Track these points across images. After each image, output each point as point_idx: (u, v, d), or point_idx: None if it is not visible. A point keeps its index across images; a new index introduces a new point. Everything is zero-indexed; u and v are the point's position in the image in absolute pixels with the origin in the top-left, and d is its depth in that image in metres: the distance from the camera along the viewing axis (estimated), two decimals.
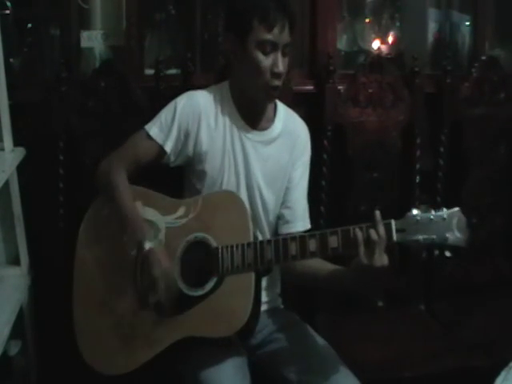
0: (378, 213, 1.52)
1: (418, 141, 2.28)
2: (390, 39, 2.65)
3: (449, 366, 1.94)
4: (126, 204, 1.70)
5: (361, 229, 1.52)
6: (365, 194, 2.26)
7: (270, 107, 1.81)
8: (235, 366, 1.61)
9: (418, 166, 2.28)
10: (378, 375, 1.89)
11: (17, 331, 1.90)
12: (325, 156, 2.18)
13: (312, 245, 1.56)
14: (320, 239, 1.56)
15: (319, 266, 1.68)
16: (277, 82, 1.68)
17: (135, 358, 1.65)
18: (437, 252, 1.49)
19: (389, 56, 2.57)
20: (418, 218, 1.50)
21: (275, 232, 1.84)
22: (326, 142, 2.18)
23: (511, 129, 2.39)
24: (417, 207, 1.52)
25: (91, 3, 2.23)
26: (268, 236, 1.82)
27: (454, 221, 1.48)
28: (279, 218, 1.84)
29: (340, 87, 2.21)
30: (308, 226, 1.85)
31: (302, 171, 1.85)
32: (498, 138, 2.38)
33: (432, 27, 2.66)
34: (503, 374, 1.50)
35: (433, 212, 1.50)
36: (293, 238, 1.60)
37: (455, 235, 1.47)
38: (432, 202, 2.34)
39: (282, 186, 1.82)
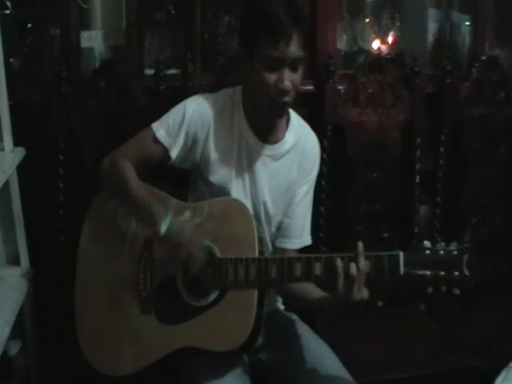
0: (360, 244, 1.49)
1: (418, 141, 2.28)
2: (390, 39, 2.65)
3: (449, 366, 1.95)
4: (135, 191, 1.67)
5: (342, 259, 1.49)
6: (365, 193, 2.26)
7: (283, 119, 1.75)
8: (236, 376, 1.60)
9: (418, 166, 2.28)
10: (378, 375, 1.89)
11: (17, 331, 1.90)
12: (325, 156, 2.17)
13: (317, 268, 1.53)
14: (325, 263, 1.52)
15: (305, 288, 1.65)
16: (283, 99, 1.60)
17: (135, 361, 1.65)
18: (444, 288, 1.46)
19: (389, 56, 2.57)
20: (428, 251, 1.46)
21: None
22: (325, 141, 2.17)
23: (511, 129, 2.39)
24: (428, 240, 1.48)
25: (91, 3, 2.23)
26: (269, 247, 1.80)
27: (465, 258, 1.44)
28: (277, 229, 1.81)
29: (340, 87, 2.21)
30: (307, 242, 1.82)
31: (308, 188, 1.81)
32: (498, 138, 2.39)
33: (432, 27, 2.65)
34: (503, 374, 1.50)
35: (443, 245, 1.47)
36: (298, 258, 1.57)
37: (464, 274, 1.43)
38: (432, 202, 2.35)
39: (286, 201, 1.79)
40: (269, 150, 1.73)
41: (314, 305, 1.67)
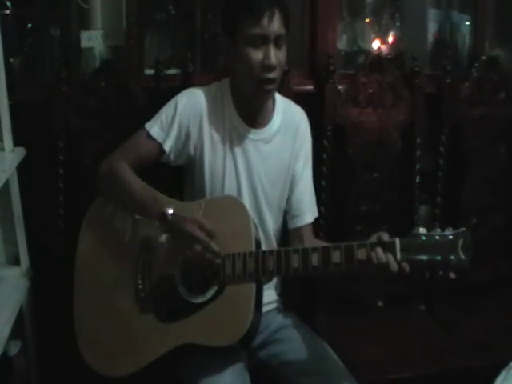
0: (386, 235, 1.51)
1: (418, 141, 2.28)
2: (390, 39, 2.64)
3: (449, 365, 1.95)
4: (136, 190, 1.67)
5: (364, 246, 1.51)
6: (365, 193, 2.26)
7: (269, 101, 1.79)
8: (234, 373, 1.60)
9: (418, 166, 2.28)
10: (378, 375, 1.89)
11: (17, 331, 1.90)
12: (325, 156, 2.18)
13: (314, 259, 1.55)
14: (322, 254, 1.54)
15: None
16: (270, 75, 1.63)
17: (135, 361, 1.65)
18: (440, 272, 1.47)
19: (389, 56, 2.57)
20: (423, 237, 1.48)
21: (282, 228, 1.85)
22: (325, 141, 2.18)
23: (511, 129, 2.39)
24: (423, 225, 1.50)
25: (91, 3, 2.23)
26: (272, 233, 1.82)
27: (460, 242, 1.46)
28: (286, 212, 1.83)
29: (340, 87, 2.21)
30: (316, 214, 1.86)
31: (305, 162, 1.83)
32: (498, 138, 2.39)
33: (432, 27, 2.66)
34: (503, 374, 1.50)
35: (438, 231, 1.48)
36: (295, 250, 1.58)
37: (460, 257, 1.45)
38: (432, 202, 2.35)
39: (286, 181, 1.81)
40: (259, 134, 1.76)
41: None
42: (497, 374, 1.51)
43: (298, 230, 1.82)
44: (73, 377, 1.81)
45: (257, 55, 1.62)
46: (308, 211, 1.84)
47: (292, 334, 1.77)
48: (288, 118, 1.81)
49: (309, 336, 1.78)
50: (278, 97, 1.82)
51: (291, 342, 1.74)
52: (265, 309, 1.73)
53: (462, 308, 2.24)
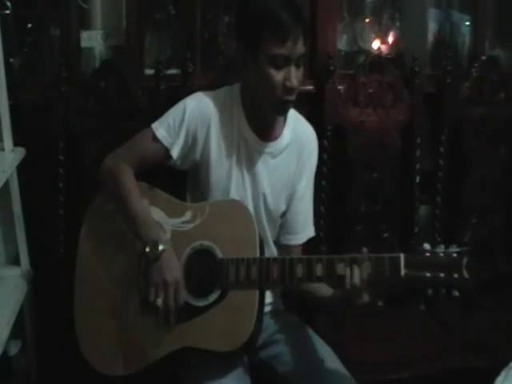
0: (365, 250, 1.52)
1: (418, 141, 2.28)
2: (390, 39, 2.65)
3: (449, 365, 1.95)
4: (135, 204, 1.66)
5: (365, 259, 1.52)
6: (365, 194, 2.26)
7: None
8: (236, 375, 1.60)
9: (418, 166, 2.29)
10: (378, 375, 1.89)
11: (17, 331, 1.90)
12: (325, 156, 2.17)
13: (318, 269, 1.55)
14: (327, 265, 1.54)
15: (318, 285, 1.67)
16: (289, 97, 1.60)
17: (135, 361, 1.64)
18: (443, 290, 1.47)
19: (389, 56, 2.57)
20: (428, 254, 1.48)
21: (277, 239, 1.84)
22: (325, 141, 2.17)
23: (511, 129, 2.39)
24: (428, 242, 1.50)
25: (91, 3, 2.23)
26: (271, 244, 1.81)
27: (464, 261, 1.46)
28: (280, 226, 1.82)
29: (340, 87, 2.21)
30: (310, 234, 1.85)
31: (308, 181, 1.82)
32: (498, 138, 2.39)
33: (432, 27, 2.66)
34: (503, 374, 1.50)
35: (443, 248, 1.48)
36: (299, 259, 1.58)
37: (463, 276, 1.45)
38: (432, 202, 2.35)
39: (288, 195, 1.79)
40: (268, 147, 1.73)
41: (322, 300, 1.71)
42: (497, 374, 1.51)
43: (288, 247, 1.82)
44: (73, 377, 1.81)
45: (278, 76, 1.57)
46: (301, 231, 1.82)
47: (292, 334, 1.77)
48: (298, 133, 1.78)
49: (309, 336, 1.77)
50: (290, 110, 1.76)
51: (292, 343, 1.74)
52: (265, 309, 1.73)
53: (462, 308, 2.23)
